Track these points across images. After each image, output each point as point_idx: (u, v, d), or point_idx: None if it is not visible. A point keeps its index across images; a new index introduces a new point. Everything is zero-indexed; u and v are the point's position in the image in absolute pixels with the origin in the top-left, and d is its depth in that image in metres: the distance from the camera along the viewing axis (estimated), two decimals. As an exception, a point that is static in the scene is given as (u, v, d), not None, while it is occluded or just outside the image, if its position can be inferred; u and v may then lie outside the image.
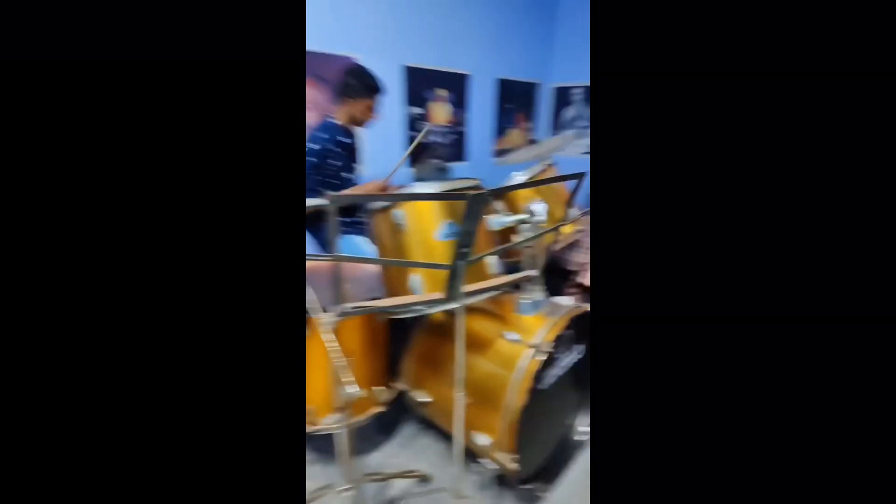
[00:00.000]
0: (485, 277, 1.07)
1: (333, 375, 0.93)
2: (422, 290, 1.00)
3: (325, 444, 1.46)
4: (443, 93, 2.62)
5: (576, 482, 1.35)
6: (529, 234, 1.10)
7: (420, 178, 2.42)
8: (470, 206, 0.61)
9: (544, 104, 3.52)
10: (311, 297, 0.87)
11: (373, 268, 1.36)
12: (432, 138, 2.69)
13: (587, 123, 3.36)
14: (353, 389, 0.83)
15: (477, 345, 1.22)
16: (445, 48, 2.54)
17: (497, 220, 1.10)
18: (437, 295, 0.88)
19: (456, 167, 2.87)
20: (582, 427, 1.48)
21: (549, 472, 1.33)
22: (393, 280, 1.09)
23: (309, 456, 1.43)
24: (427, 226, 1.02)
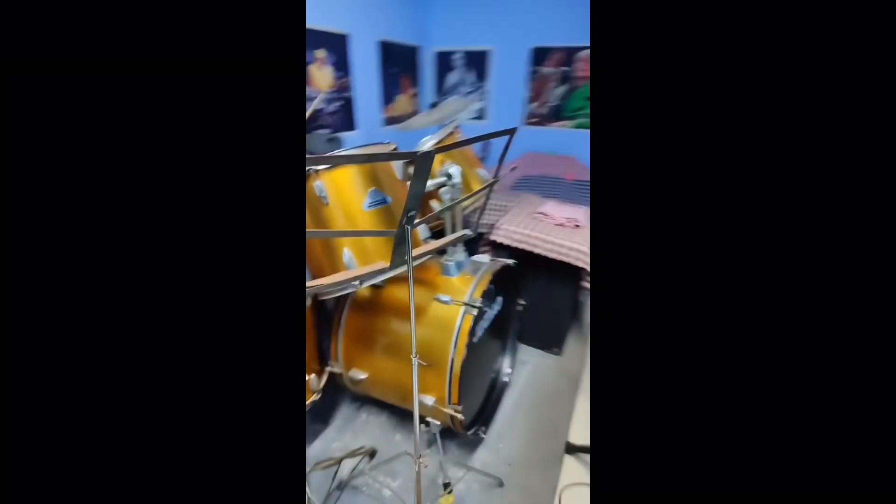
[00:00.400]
0: (419, 243, 1.07)
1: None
2: (355, 265, 0.96)
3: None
4: (322, 54, 2.39)
5: (508, 418, 1.51)
6: (451, 197, 1.13)
7: (310, 151, 2.22)
8: (419, 165, 0.60)
9: (427, 69, 3.50)
10: None
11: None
12: (318, 105, 2.46)
13: (470, 88, 3.47)
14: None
15: (407, 313, 1.23)
16: (322, 5, 2.31)
17: (433, 181, 1.09)
18: (379, 265, 0.85)
19: (346, 136, 2.71)
20: (506, 369, 1.64)
21: (485, 414, 1.45)
22: (318, 259, 1.01)
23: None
24: (352, 196, 0.95)
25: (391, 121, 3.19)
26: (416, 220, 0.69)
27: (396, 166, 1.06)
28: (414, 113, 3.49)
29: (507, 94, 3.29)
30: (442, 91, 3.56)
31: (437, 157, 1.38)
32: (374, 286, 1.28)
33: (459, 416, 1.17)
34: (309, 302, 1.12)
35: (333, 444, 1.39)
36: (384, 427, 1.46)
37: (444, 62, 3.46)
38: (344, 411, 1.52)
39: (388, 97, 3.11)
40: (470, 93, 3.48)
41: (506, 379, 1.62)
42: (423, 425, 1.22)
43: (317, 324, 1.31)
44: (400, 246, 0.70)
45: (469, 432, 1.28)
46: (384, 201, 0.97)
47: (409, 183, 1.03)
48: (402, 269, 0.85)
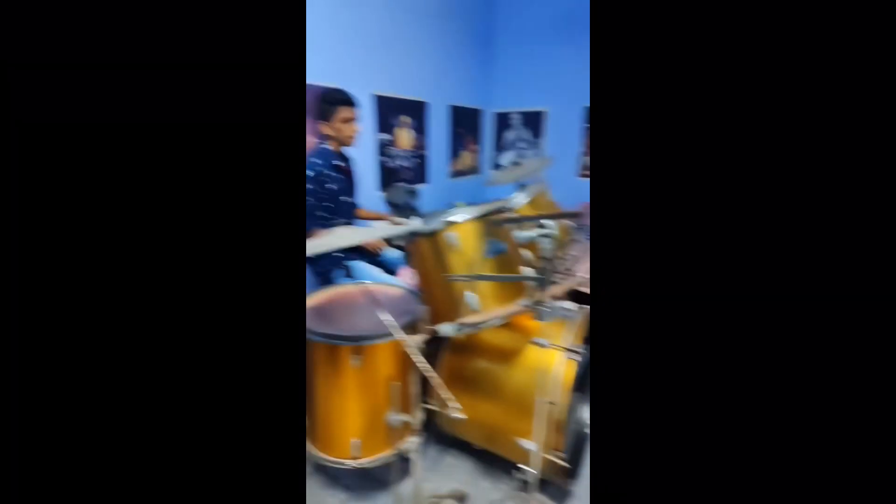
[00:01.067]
0: (523, 289, 1.16)
1: (412, 398, 0.93)
2: (478, 306, 1.06)
3: (359, 482, 1.39)
4: (406, 119, 2.70)
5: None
6: (549, 247, 1.23)
7: (393, 203, 2.44)
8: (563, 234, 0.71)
9: (488, 128, 3.79)
10: (389, 319, 0.88)
11: (400, 292, 1.37)
12: (399, 162, 2.74)
13: (526, 145, 3.69)
14: (457, 410, 0.84)
15: (506, 356, 1.30)
16: (406, 79, 2.64)
17: (523, 234, 1.20)
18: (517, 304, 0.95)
19: (420, 188, 2.95)
20: (586, 420, 1.62)
21: (572, 467, 1.43)
22: (439, 301, 1.13)
23: (345, 493, 1.35)
24: (474, 245, 1.08)
25: (456, 174, 3.43)
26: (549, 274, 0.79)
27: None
28: (475, 167, 3.73)
29: (562, 149, 3.46)
30: (500, 147, 3.81)
31: (529, 210, 1.50)
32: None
33: (563, 463, 1.18)
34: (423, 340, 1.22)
35: (424, 484, 1.41)
36: (470, 472, 1.47)
37: (503, 122, 3.74)
38: (430, 453, 1.55)
39: (454, 153, 3.37)
40: (525, 149, 3.70)
41: (587, 430, 1.60)
42: (515, 471, 1.24)
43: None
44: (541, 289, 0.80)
45: (558, 484, 1.27)
46: (502, 250, 1.09)
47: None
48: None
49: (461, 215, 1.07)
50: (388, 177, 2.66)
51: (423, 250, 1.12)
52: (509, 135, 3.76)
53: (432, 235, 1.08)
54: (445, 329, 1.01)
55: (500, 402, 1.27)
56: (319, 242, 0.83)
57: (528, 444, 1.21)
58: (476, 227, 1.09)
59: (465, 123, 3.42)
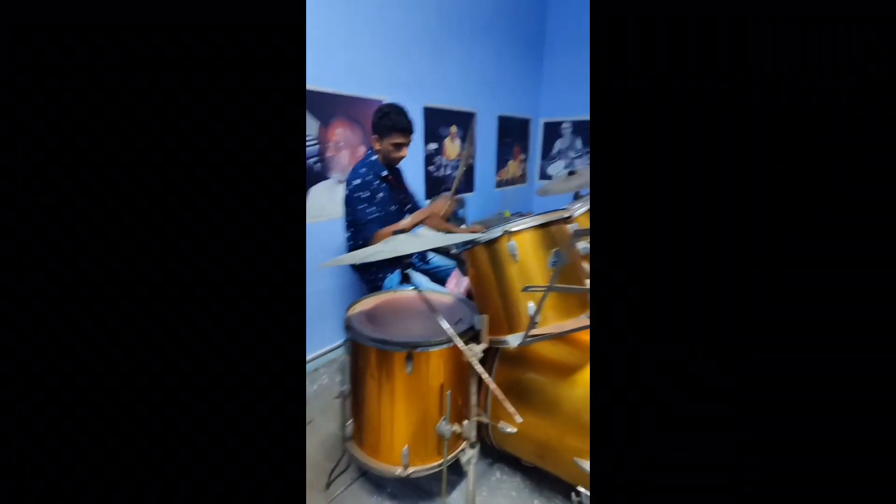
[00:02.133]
0: (586, 302, 1.12)
1: (469, 407, 0.91)
2: (539, 318, 1.03)
3: (408, 491, 1.39)
4: (454, 129, 2.73)
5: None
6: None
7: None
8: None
9: (536, 137, 3.75)
10: (449, 326, 0.87)
11: (448, 300, 1.37)
12: (448, 172, 2.77)
13: (575, 154, 3.61)
14: (518, 419, 0.82)
15: (563, 371, 1.25)
16: (455, 91, 2.68)
17: (585, 246, 1.16)
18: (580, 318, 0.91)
19: (466, 197, 2.96)
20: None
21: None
22: (497, 310, 1.11)
23: (392, 502, 1.35)
24: (534, 254, 1.06)
25: (502, 183, 3.41)
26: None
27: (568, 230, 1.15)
28: (522, 176, 3.69)
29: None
30: (549, 156, 3.75)
31: (582, 221, 1.46)
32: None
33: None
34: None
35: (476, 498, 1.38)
36: (519, 489, 1.43)
37: (552, 131, 3.68)
38: (478, 466, 1.52)
39: (502, 163, 3.36)
40: (577, 158, 3.61)
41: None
42: (573, 493, 1.18)
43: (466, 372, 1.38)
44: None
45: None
46: (565, 261, 1.06)
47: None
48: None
49: (521, 224, 1.06)
50: (435, 186, 2.70)
51: (481, 258, 1.11)
52: (559, 144, 3.70)
53: (491, 244, 1.07)
54: (513, 340, 0.99)
55: (555, 419, 1.23)
56: (371, 250, 0.84)
57: (585, 465, 1.15)
58: (536, 236, 1.07)
59: (512, 133, 3.40)
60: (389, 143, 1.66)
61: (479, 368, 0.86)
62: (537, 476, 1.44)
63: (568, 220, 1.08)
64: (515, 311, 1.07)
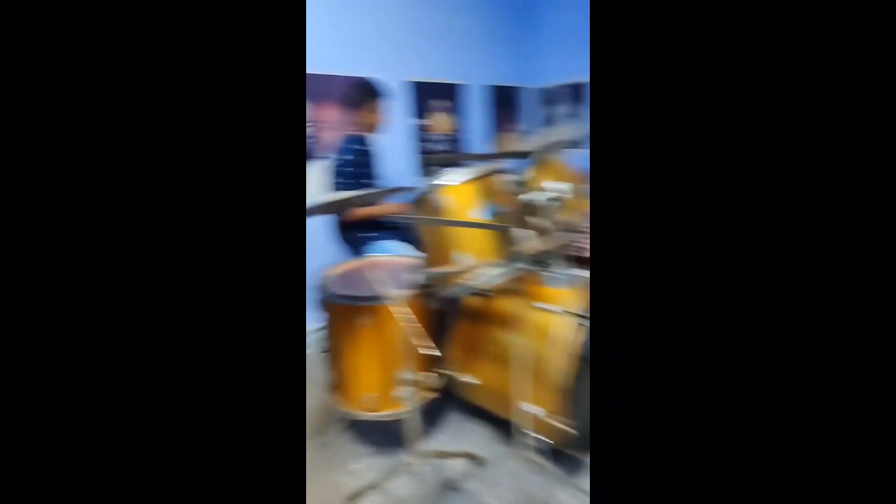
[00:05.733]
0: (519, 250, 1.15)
1: (404, 355, 0.98)
2: (468, 262, 1.08)
3: (379, 435, 1.50)
4: (442, 103, 2.74)
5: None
6: (554, 209, 1.19)
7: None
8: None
9: (528, 105, 3.67)
10: (381, 283, 0.94)
11: (405, 262, 1.43)
12: (436, 146, 2.80)
13: (570, 118, 3.50)
14: (434, 351, 0.88)
15: (513, 322, 1.29)
16: (440, 61, 2.68)
17: (528, 196, 1.18)
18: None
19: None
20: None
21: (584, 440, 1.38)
22: (439, 262, 1.16)
23: (367, 446, 1.46)
24: (469, 207, 1.09)
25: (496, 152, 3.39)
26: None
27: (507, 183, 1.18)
28: (516, 146, 3.65)
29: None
30: (547, 123, 3.67)
31: (546, 174, 1.46)
32: (483, 296, 1.38)
33: (570, 430, 1.15)
34: (431, 303, 1.27)
35: (443, 447, 1.47)
36: (491, 440, 1.49)
37: (546, 98, 3.59)
38: (451, 418, 1.60)
39: (493, 134, 3.34)
40: (570, 120, 3.51)
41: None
42: (522, 437, 1.23)
43: (436, 328, 1.45)
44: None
45: (570, 453, 1.24)
46: (499, 212, 1.09)
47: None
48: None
49: (454, 177, 1.09)
50: (425, 161, 2.74)
51: (420, 212, 1.16)
52: (553, 109, 3.60)
53: (424, 198, 1.12)
54: (418, 277, 1.04)
55: (509, 369, 1.27)
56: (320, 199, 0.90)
57: (531, 409, 1.20)
58: (472, 189, 1.11)
59: (503, 103, 3.35)
60: (366, 112, 1.72)
61: (396, 311, 0.92)
62: (505, 427, 1.50)
63: (503, 172, 1.10)
64: (448, 260, 1.12)
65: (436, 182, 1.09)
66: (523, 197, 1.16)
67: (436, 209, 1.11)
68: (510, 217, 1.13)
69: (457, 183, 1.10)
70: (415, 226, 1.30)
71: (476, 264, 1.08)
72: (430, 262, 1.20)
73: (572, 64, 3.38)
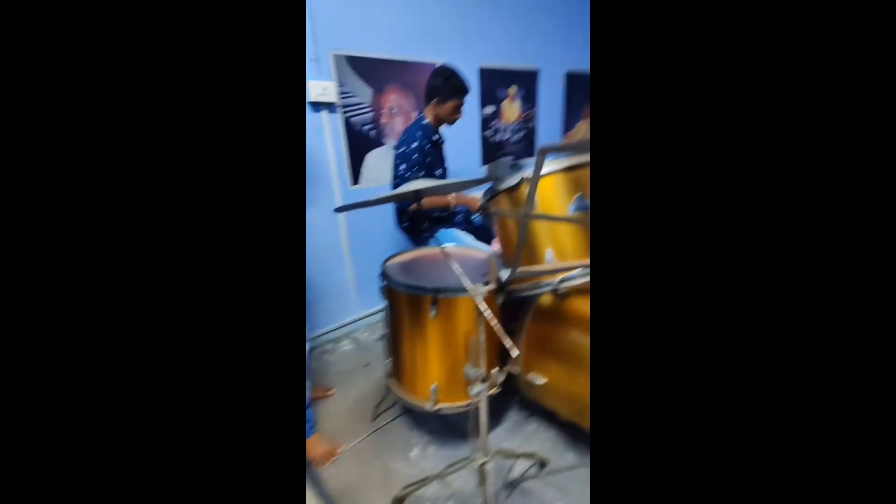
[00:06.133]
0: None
1: (480, 348, 0.96)
2: (555, 260, 1.02)
3: (440, 427, 1.51)
4: (513, 90, 2.64)
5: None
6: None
7: (495, 177, 2.46)
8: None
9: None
10: (458, 269, 0.91)
11: (481, 255, 1.40)
12: (507, 136, 2.71)
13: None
14: (515, 352, 0.85)
15: (588, 323, 1.21)
16: (516, 47, 2.58)
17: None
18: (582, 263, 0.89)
19: (527, 162, 2.88)
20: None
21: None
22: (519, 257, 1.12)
23: (426, 437, 1.48)
24: (555, 202, 1.03)
25: (570, 143, 3.22)
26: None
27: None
28: (593, 139, 3.44)
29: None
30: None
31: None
32: (557, 295, 1.31)
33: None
34: (502, 299, 1.23)
35: (504, 443, 1.44)
36: (554, 441, 1.44)
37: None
38: (513, 416, 1.57)
39: (570, 125, 3.17)
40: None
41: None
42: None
43: (504, 323, 1.41)
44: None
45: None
46: (586, 207, 1.01)
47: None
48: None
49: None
50: (492, 151, 2.67)
51: (502, 206, 1.12)
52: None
53: (510, 191, 1.07)
54: (503, 273, 1.00)
55: (583, 372, 1.21)
56: (398, 190, 0.91)
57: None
58: (559, 182, 1.04)
59: (583, 90, 3.16)
60: (451, 106, 1.70)
61: (482, 307, 0.89)
62: (573, 432, 1.44)
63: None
64: (535, 256, 1.06)
65: (520, 174, 1.04)
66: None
67: (519, 202, 1.06)
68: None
69: (544, 174, 1.04)
70: (492, 218, 1.26)
71: (560, 263, 1.02)
72: (508, 256, 1.16)
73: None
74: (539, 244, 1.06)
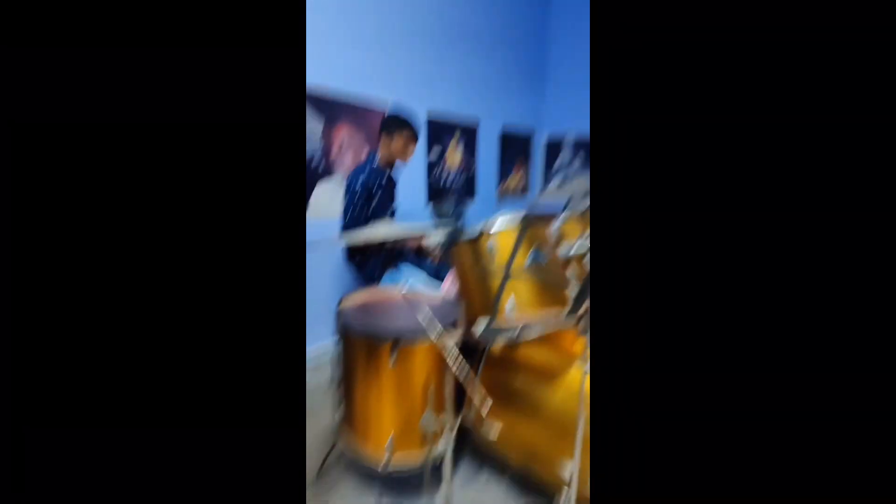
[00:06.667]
0: (565, 301, 1.14)
1: (436, 402, 0.93)
2: (514, 313, 1.06)
3: (394, 484, 1.41)
4: (457, 139, 2.81)
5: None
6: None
7: (440, 214, 2.53)
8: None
9: (538, 152, 3.80)
10: (427, 318, 0.91)
11: (440, 299, 1.41)
12: (448, 180, 2.83)
13: (574, 171, 3.64)
14: (486, 405, 0.84)
15: (547, 374, 1.26)
16: (459, 100, 2.77)
17: (566, 248, 1.19)
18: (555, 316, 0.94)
19: (467, 203, 3.02)
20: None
21: None
22: (476, 306, 1.14)
23: (379, 494, 1.36)
24: (513, 253, 1.09)
25: (504, 194, 3.46)
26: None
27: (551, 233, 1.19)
28: (524, 188, 3.73)
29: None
30: (550, 171, 3.80)
31: (573, 227, 1.49)
32: (513, 343, 1.36)
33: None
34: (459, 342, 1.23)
35: (457, 498, 1.39)
36: (506, 493, 1.42)
37: (554, 148, 3.74)
38: (463, 469, 1.53)
39: (503, 175, 3.42)
40: (574, 174, 3.65)
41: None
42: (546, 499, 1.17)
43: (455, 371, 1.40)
44: (578, 302, 0.79)
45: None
46: (540, 260, 1.09)
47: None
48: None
49: (502, 223, 1.10)
50: (437, 193, 2.76)
51: (463, 256, 1.15)
52: (560, 159, 3.74)
53: (472, 242, 1.11)
54: (477, 329, 1.02)
55: (539, 423, 1.24)
56: (358, 235, 0.89)
57: (566, 468, 1.15)
58: (514, 235, 1.11)
59: (515, 147, 3.47)
60: (399, 142, 1.73)
61: (451, 360, 0.88)
62: (525, 480, 1.44)
63: (547, 220, 1.11)
64: (493, 306, 1.10)
65: (482, 225, 1.09)
66: (565, 248, 1.17)
67: (479, 253, 1.10)
68: (552, 266, 1.13)
69: (503, 228, 1.10)
70: (448, 262, 1.28)
71: (520, 314, 1.07)
72: (469, 303, 1.18)
73: (580, 119, 3.54)
74: (491, 294, 1.10)
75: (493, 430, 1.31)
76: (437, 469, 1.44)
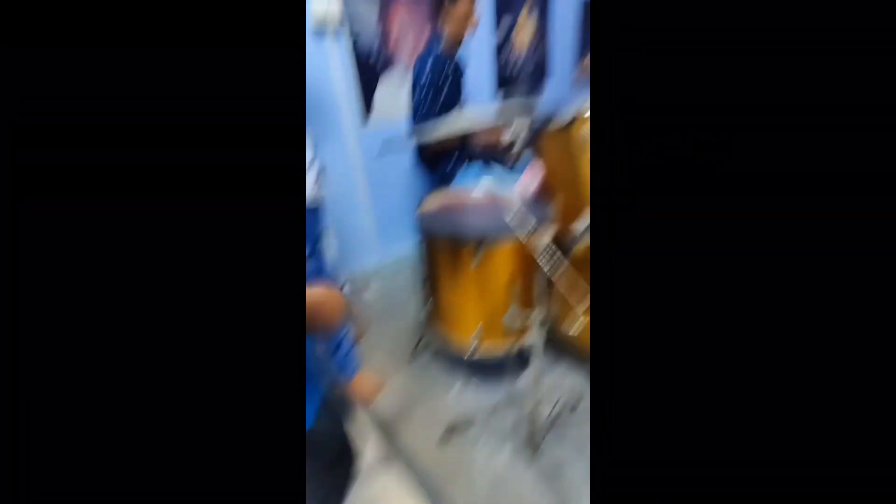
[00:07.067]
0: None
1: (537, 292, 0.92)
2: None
3: (480, 371, 1.55)
4: (527, 9, 2.36)
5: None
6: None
7: (512, 116, 2.30)
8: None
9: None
10: (519, 217, 0.85)
11: (524, 194, 1.32)
12: (516, 62, 2.48)
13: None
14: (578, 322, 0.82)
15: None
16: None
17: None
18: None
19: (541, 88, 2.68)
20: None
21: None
22: (570, 202, 1.05)
23: (466, 380, 1.52)
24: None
25: (585, 71, 3.00)
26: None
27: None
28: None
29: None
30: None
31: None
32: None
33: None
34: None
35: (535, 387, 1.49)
36: (584, 382, 1.49)
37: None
38: (553, 362, 1.60)
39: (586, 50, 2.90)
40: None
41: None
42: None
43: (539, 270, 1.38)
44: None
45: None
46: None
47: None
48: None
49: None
50: (504, 79, 2.46)
51: (551, 147, 1.02)
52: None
53: (561, 131, 0.97)
54: (578, 226, 0.95)
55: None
56: (430, 132, 0.81)
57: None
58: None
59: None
60: (463, 5, 1.48)
61: (541, 260, 0.84)
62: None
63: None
64: (587, 203, 1.00)
65: (572, 111, 0.93)
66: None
67: (571, 142, 0.96)
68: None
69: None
70: (526, 158, 1.16)
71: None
72: (561, 199, 1.09)
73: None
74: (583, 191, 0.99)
75: (577, 326, 1.31)
76: (520, 358, 1.53)
